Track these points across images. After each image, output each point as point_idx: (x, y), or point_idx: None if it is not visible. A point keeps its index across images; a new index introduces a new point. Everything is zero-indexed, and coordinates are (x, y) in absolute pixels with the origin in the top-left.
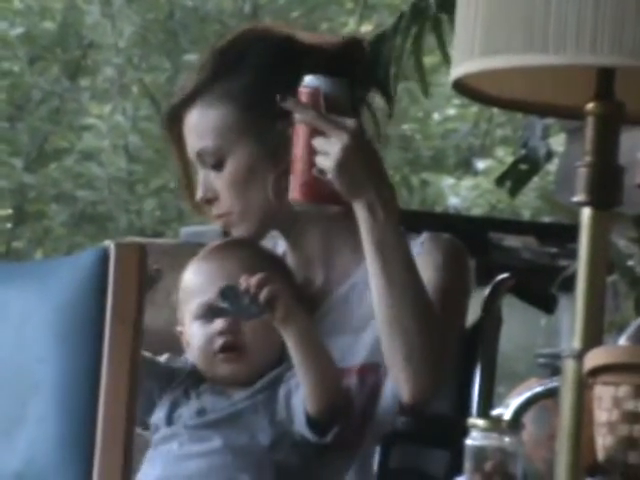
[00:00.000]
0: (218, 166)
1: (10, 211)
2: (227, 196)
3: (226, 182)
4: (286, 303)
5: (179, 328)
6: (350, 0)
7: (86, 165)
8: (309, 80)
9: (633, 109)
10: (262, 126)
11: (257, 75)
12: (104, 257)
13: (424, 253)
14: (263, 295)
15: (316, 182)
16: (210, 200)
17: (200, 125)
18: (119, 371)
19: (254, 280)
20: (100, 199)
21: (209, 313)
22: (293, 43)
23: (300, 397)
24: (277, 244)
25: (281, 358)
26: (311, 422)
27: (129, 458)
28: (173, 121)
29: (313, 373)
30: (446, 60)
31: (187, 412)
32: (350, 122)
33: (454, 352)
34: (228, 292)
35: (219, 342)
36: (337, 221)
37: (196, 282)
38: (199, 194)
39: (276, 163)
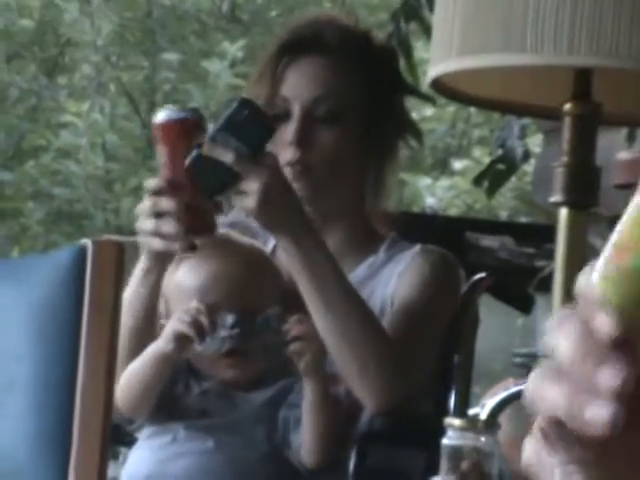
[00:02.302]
0: (329, 120)
1: None
2: (326, 151)
3: (334, 139)
4: (312, 361)
5: (163, 321)
6: (328, 0)
7: (63, 163)
8: (171, 113)
9: (610, 110)
10: (387, 117)
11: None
12: (82, 254)
13: (413, 264)
14: (293, 347)
15: (199, 212)
16: (303, 146)
17: (331, 74)
18: (96, 367)
19: (294, 331)
20: (77, 197)
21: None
22: None
23: (298, 436)
24: (268, 240)
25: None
26: (306, 465)
27: (106, 453)
28: (284, 54)
29: (318, 433)
30: (412, 70)
31: (188, 410)
32: (269, 158)
33: (431, 360)
34: (264, 323)
35: (226, 346)
36: (360, 219)
37: (196, 282)
38: (293, 135)
39: (381, 157)
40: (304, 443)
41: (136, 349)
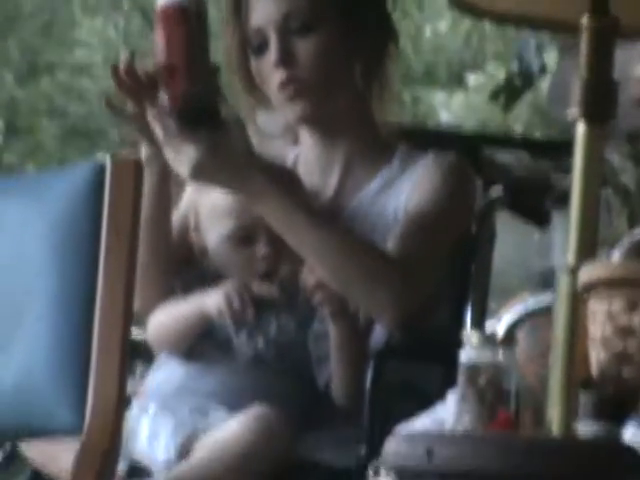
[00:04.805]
0: (305, 30)
1: (1, 124)
2: (310, 61)
3: (314, 47)
4: (336, 307)
5: (193, 235)
6: None
7: (77, 79)
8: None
9: (628, 24)
10: (360, 15)
11: None
12: (100, 171)
13: (426, 172)
14: (317, 298)
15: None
16: (287, 63)
17: None
18: (115, 285)
19: (312, 282)
20: (91, 113)
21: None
22: None
23: (324, 372)
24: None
25: None
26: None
27: (125, 369)
28: None
29: (348, 374)
30: None
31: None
32: (201, 138)
33: (443, 265)
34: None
35: (262, 267)
36: (368, 129)
37: (232, 202)
38: (276, 55)
39: (367, 58)
40: (334, 382)
41: (151, 240)
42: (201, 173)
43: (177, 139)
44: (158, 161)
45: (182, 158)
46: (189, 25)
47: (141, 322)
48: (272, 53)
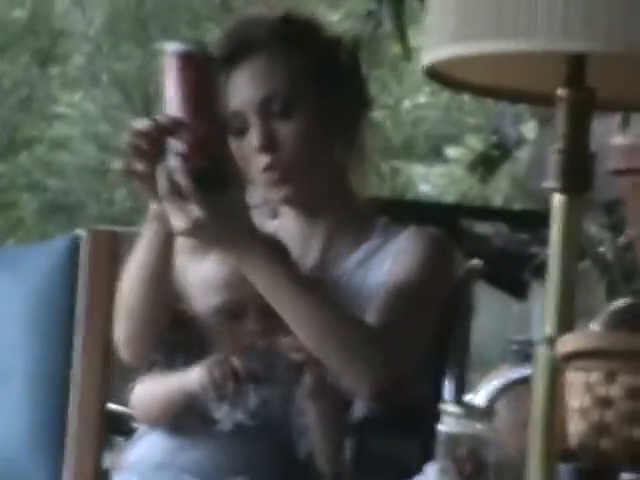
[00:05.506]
0: (286, 114)
1: None
2: (293, 146)
3: (296, 131)
4: (315, 383)
5: (184, 305)
6: None
7: (56, 154)
8: (178, 46)
9: (604, 95)
10: (339, 91)
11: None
12: (76, 244)
13: (407, 245)
14: (298, 357)
15: (209, 139)
16: (270, 148)
17: (271, 70)
18: (91, 358)
19: (294, 356)
20: (70, 188)
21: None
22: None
23: (306, 443)
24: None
25: None
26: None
27: (101, 444)
28: (220, 72)
29: (329, 447)
30: (405, 50)
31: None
32: (205, 199)
33: (424, 339)
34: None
35: (248, 343)
36: (348, 204)
37: (223, 276)
38: (258, 141)
39: (346, 132)
40: (316, 452)
41: (153, 297)
42: (200, 233)
43: (181, 195)
44: (165, 220)
45: (183, 214)
46: (198, 73)
47: (121, 397)
48: (254, 138)
